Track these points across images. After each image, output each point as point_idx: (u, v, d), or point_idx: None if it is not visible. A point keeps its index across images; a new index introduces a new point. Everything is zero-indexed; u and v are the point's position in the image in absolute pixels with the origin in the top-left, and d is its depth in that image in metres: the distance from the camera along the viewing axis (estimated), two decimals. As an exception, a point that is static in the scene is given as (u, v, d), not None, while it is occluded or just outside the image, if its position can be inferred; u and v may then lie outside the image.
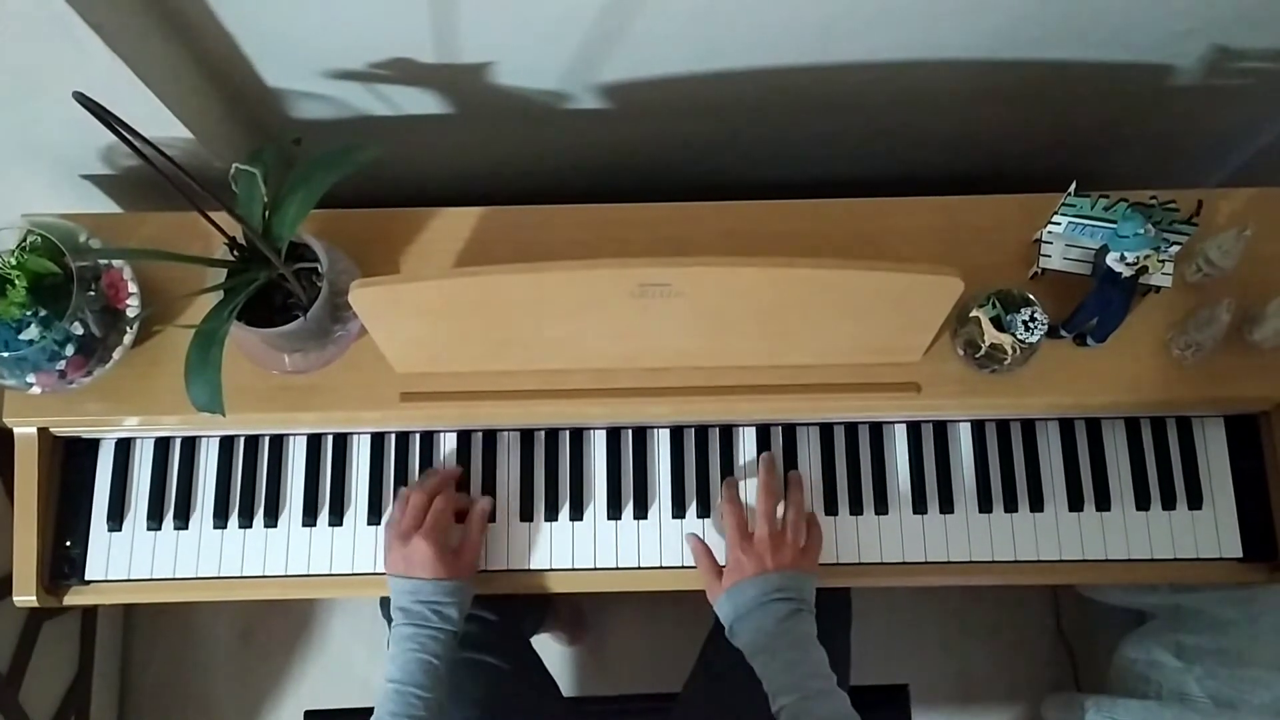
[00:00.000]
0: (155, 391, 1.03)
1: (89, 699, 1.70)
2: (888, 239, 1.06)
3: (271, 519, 1.09)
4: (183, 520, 1.09)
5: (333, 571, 1.08)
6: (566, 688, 1.33)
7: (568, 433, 1.11)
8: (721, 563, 1.04)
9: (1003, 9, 0.96)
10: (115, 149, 1.10)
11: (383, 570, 1.07)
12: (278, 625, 1.90)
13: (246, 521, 1.09)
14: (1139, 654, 1.47)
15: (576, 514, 1.09)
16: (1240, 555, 1.07)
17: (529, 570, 1.08)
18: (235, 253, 0.93)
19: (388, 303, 0.90)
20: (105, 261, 1.02)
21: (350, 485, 1.10)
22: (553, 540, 1.09)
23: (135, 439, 1.10)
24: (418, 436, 1.11)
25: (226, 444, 1.11)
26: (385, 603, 1.24)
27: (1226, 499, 1.08)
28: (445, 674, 0.97)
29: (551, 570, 1.08)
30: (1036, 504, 1.08)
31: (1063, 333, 1.02)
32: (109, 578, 1.08)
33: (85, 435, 1.09)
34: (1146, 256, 0.93)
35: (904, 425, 1.11)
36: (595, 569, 1.08)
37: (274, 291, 0.96)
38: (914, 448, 1.10)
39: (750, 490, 1.08)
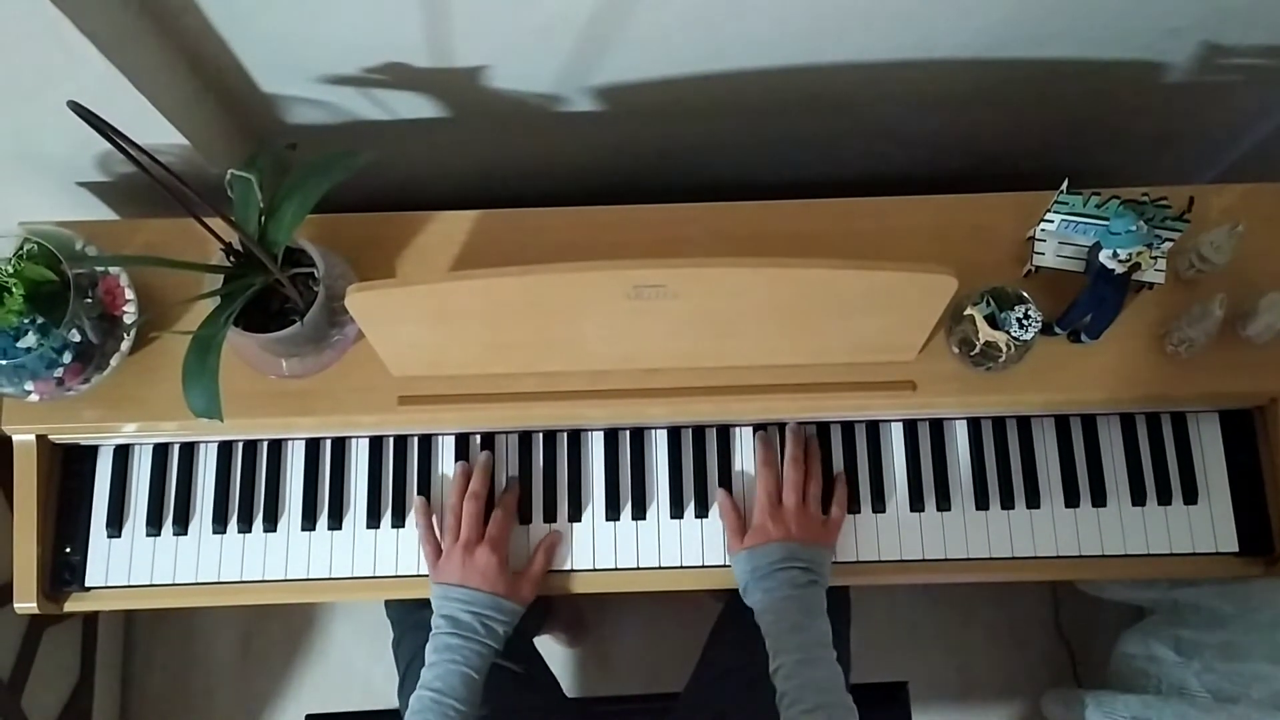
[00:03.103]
0: (153, 398, 1.03)
1: (91, 705, 1.70)
2: (882, 238, 1.06)
3: (270, 524, 1.09)
4: (182, 526, 1.09)
5: (332, 576, 1.08)
6: (567, 689, 1.33)
7: (565, 434, 1.11)
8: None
9: (994, 9, 0.97)
10: (111, 156, 1.10)
11: (383, 574, 1.08)
12: (278, 629, 1.90)
13: (245, 526, 1.09)
14: (1138, 649, 1.47)
15: (575, 516, 1.09)
16: (1236, 550, 1.07)
17: (528, 572, 1.08)
18: (231, 259, 0.93)
19: (384, 307, 0.91)
20: (102, 268, 1.03)
21: (349, 489, 1.10)
22: (551, 542, 1.09)
23: (134, 445, 1.10)
24: (416, 440, 1.11)
25: (225, 449, 1.11)
26: (390, 605, 1.25)
27: (1222, 494, 1.08)
28: (480, 690, 0.97)
29: (550, 572, 1.08)
30: (1033, 500, 1.08)
31: (1057, 330, 1.02)
32: (109, 584, 1.08)
33: (84, 442, 1.10)
34: (1139, 253, 0.93)
35: (900, 423, 1.11)
36: (594, 570, 1.08)
37: (270, 297, 0.96)
38: (910, 446, 1.10)
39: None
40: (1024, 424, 1.10)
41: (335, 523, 1.09)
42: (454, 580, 1.00)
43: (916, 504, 1.09)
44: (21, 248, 0.97)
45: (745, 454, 1.10)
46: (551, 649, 1.84)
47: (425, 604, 1.14)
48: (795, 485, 1.03)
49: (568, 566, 1.08)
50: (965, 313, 0.98)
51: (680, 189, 1.27)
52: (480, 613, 0.98)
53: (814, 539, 1.01)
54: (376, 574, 1.08)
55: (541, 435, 1.11)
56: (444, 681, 0.94)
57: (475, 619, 0.97)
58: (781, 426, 1.11)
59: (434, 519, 1.08)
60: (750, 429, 1.11)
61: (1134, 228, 0.92)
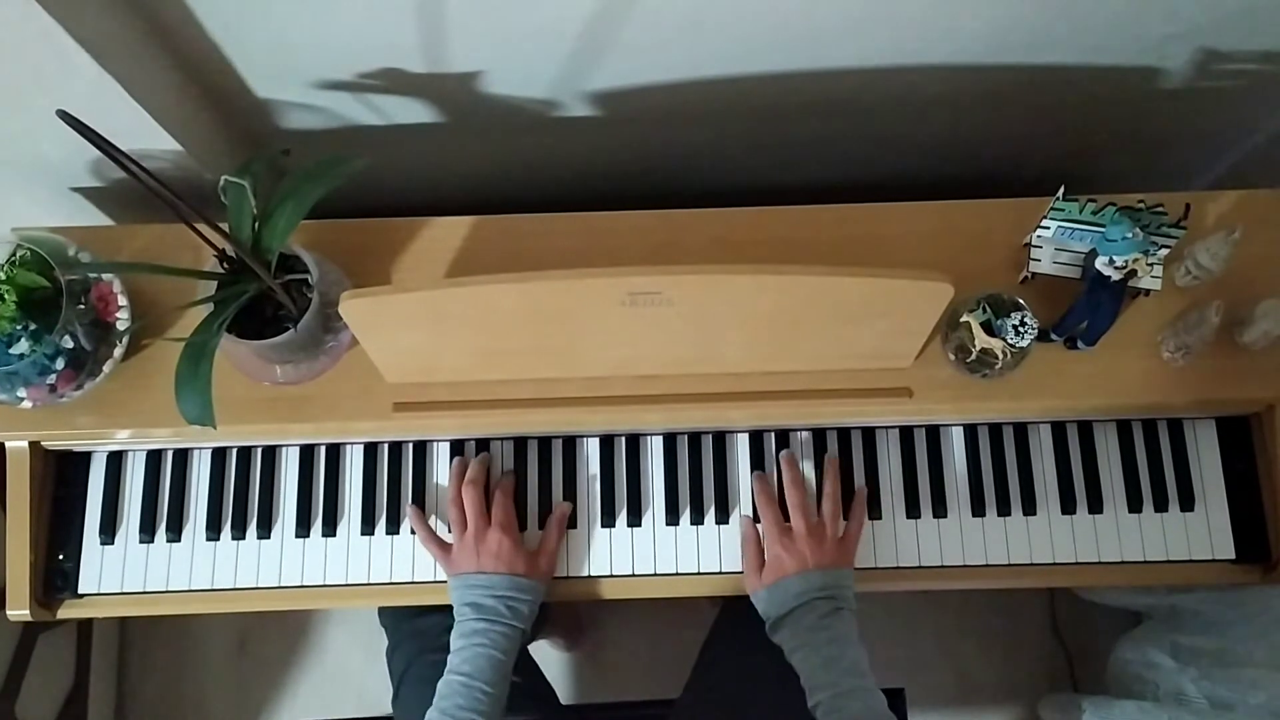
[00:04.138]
0: (146, 404, 1.03)
1: (86, 710, 1.69)
2: (878, 244, 1.06)
3: (265, 530, 1.09)
4: (175, 533, 1.08)
5: (326, 582, 1.08)
6: (563, 694, 1.33)
7: (561, 441, 1.11)
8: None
9: (991, 15, 0.97)
10: (104, 162, 1.08)
11: (378, 580, 1.08)
12: (274, 635, 1.89)
13: (239, 533, 1.08)
14: (1135, 655, 1.47)
15: (570, 522, 1.09)
16: (1233, 557, 1.07)
17: (523, 579, 1.08)
18: (225, 265, 0.93)
19: (378, 314, 0.90)
20: (95, 275, 1.02)
21: (343, 496, 1.10)
22: (546, 549, 1.08)
23: (127, 452, 1.10)
24: (410, 446, 1.11)
25: (219, 456, 1.10)
26: (383, 612, 1.25)
27: (1218, 501, 1.08)
28: (509, 672, 0.96)
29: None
30: (1029, 507, 1.08)
31: (1053, 336, 1.02)
32: (102, 591, 1.08)
33: (77, 448, 1.09)
34: (1135, 260, 0.93)
35: (896, 430, 1.11)
36: (589, 577, 1.08)
37: (264, 303, 0.96)
38: (906, 452, 1.10)
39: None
40: (1020, 431, 1.10)
41: (330, 529, 1.09)
42: (470, 569, 0.99)
43: (913, 511, 1.09)
44: (14, 254, 0.97)
45: (741, 460, 1.10)
46: (548, 653, 1.84)
47: (418, 612, 1.14)
48: (799, 506, 1.02)
49: (564, 573, 1.08)
50: (961, 319, 0.97)
51: (676, 194, 1.27)
52: (503, 595, 0.97)
53: (831, 561, 0.99)
54: (371, 581, 1.08)
55: (537, 442, 1.11)
56: (472, 665, 0.94)
57: (499, 602, 0.97)
58: (779, 445, 1.10)
59: (432, 520, 1.08)
60: (746, 435, 1.10)
61: (1130, 234, 0.92)
